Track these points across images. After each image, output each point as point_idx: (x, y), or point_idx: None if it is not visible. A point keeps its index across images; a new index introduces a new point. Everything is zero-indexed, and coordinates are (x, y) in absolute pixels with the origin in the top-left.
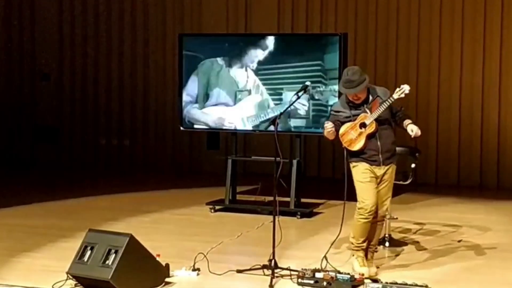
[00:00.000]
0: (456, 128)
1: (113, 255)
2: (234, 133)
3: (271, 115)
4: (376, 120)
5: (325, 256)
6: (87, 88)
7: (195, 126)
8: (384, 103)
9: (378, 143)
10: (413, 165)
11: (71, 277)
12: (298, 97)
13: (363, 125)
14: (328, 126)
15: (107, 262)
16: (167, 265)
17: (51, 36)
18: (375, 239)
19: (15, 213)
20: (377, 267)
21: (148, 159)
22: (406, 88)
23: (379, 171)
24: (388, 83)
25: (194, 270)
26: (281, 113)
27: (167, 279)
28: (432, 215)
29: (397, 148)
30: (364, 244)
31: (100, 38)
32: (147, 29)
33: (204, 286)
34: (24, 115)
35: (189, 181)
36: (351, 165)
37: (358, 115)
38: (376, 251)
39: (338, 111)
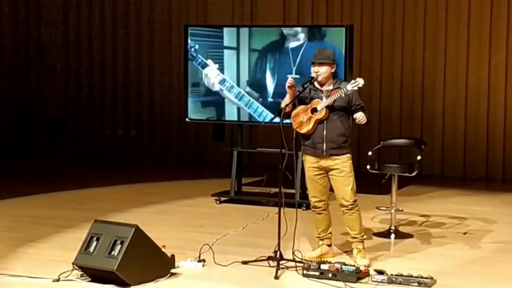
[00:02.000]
0: (462, 120)
1: (119, 246)
2: (240, 124)
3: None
4: (329, 108)
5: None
6: (93, 79)
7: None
8: (337, 93)
9: (324, 132)
10: (418, 157)
11: (77, 267)
12: (304, 89)
13: (314, 110)
14: (290, 80)
15: (112, 253)
16: (173, 256)
17: (57, 27)
18: (357, 228)
19: (21, 203)
20: (369, 261)
21: (153, 150)
22: (360, 81)
23: (325, 162)
24: (394, 74)
25: (199, 261)
26: (286, 105)
27: (172, 270)
28: (437, 207)
29: (402, 140)
30: (322, 234)
31: (106, 29)
32: (152, 21)
33: (210, 277)
34: (30, 106)
35: (194, 172)
36: (302, 155)
37: (313, 99)
38: (364, 239)
39: (301, 87)
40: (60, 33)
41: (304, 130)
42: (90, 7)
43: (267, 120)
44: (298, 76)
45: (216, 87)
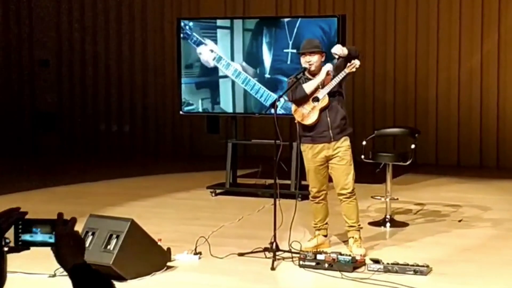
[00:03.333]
0: (456, 108)
1: (115, 240)
2: (234, 116)
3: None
4: (328, 94)
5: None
6: (86, 74)
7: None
8: (337, 77)
9: (328, 119)
10: (412, 146)
11: None
12: (297, 80)
13: (315, 99)
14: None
15: (108, 247)
16: (169, 249)
17: (49, 22)
18: (354, 217)
19: (16, 198)
20: (365, 250)
21: (148, 144)
22: (357, 63)
23: (327, 151)
24: (387, 63)
25: (195, 254)
26: (279, 96)
27: (169, 263)
28: (432, 196)
29: (396, 129)
30: (319, 224)
31: (99, 23)
32: (145, 14)
33: (206, 269)
34: (24, 102)
35: (189, 165)
36: (302, 148)
37: None
38: (361, 228)
39: (295, 78)
40: (52, 28)
41: (309, 121)
42: (82, 2)
43: (266, 106)
44: (294, 51)
45: (211, 64)
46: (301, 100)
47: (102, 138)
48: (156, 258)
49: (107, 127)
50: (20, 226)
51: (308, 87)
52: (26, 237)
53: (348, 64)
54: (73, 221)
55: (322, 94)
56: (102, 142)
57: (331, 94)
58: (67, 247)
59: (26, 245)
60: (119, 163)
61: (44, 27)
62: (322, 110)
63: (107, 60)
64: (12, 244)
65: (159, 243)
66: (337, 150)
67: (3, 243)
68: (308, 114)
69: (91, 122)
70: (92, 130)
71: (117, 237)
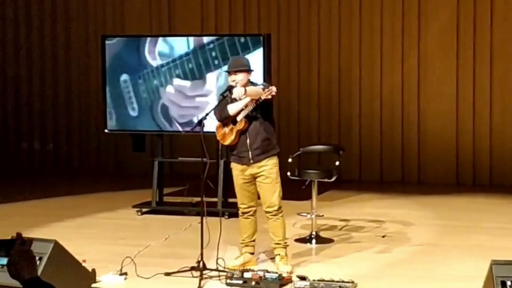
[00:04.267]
0: (378, 124)
1: (38, 262)
2: (160, 134)
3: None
4: (247, 117)
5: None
6: (8, 92)
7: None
8: (251, 104)
9: (248, 140)
10: (337, 163)
11: None
12: (224, 98)
13: (234, 121)
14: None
15: None
16: (93, 271)
17: None
18: (280, 234)
19: None
20: (292, 267)
21: (72, 163)
22: (273, 89)
23: (252, 169)
24: (311, 81)
25: (121, 274)
26: (206, 114)
27: (93, 285)
28: (356, 211)
29: (321, 147)
30: (246, 240)
31: (20, 41)
32: (68, 30)
33: None
34: None
35: (115, 184)
36: (231, 165)
37: None
38: (287, 245)
39: (221, 96)
40: None
41: (227, 141)
42: (3, 19)
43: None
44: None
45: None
46: (227, 119)
47: (24, 157)
48: (81, 279)
49: (29, 145)
50: None
51: (232, 108)
52: None
53: (266, 89)
54: (31, 241)
55: (240, 117)
56: (24, 161)
57: (253, 115)
58: (24, 262)
59: None
60: (41, 183)
61: None
62: (240, 132)
63: (29, 79)
64: None
65: (83, 264)
66: (262, 168)
67: None
68: (227, 134)
69: (12, 141)
70: (13, 149)
71: (40, 259)
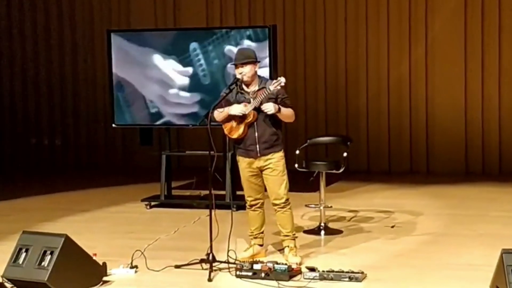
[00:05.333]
0: (386, 115)
1: (49, 257)
2: (167, 128)
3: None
4: (256, 109)
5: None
6: (15, 88)
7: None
8: (262, 95)
9: (256, 134)
10: (345, 154)
11: (6, 280)
12: (230, 91)
13: (242, 116)
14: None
15: (43, 263)
16: (104, 264)
17: None
18: (288, 227)
19: None
20: (301, 259)
21: (80, 157)
22: (282, 80)
23: (258, 162)
24: (317, 73)
25: (131, 267)
26: (213, 107)
27: (104, 278)
28: (365, 202)
29: (329, 138)
30: (255, 232)
31: (27, 38)
32: (74, 26)
33: (143, 283)
34: None
35: (123, 178)
36: (237, 158)
37: (240, 102)
38: (296, 237)
39: (226, 92)
40: None
41: (235, 135)
42: (9, 15)
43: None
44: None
45: None
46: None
47: (33, 152)
48: (92, 273)
49: (38, 141)
50: None
51: (220, 116)
52: None
53: (274, 80)
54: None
55: (248, 109)
56: (33, 156)
57: (260, 111)
58: None
59: None
60: (51, 178)
61: None
62: (249, 125)
63: (36, 75)
64: None
65: (94, 258)
66: (269, 161)
67: None
68: (235, 128)
69: (21, 137)
70: (22, 145)
71: (51, 253)
